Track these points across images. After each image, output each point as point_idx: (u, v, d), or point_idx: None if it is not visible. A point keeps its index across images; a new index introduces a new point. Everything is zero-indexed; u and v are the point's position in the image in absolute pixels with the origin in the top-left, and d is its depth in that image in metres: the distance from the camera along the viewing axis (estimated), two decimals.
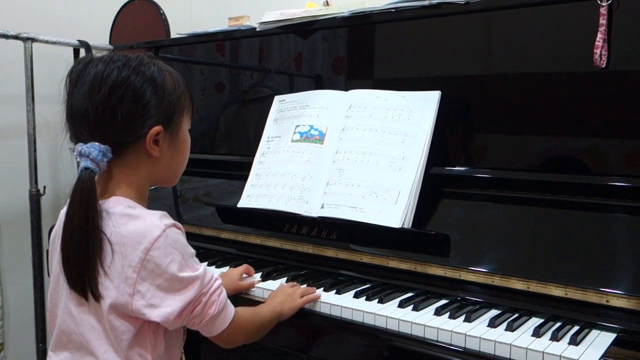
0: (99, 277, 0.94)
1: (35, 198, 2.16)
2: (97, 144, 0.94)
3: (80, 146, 0.95)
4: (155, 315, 0.95)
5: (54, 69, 2.39)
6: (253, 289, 1.32)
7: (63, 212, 0.99)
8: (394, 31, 1.52)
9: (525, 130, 1.33)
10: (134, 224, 0.95)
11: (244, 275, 1.38)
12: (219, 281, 1.02)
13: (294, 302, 1.20)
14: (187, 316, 0.98)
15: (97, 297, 0.94)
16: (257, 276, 1.38)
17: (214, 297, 1.00)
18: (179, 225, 0.99)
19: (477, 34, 1.39)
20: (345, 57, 1.62)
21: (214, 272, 1.15)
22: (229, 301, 1.04)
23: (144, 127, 0.97)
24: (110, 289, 0.94)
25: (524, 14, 1.31)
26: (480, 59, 1.39)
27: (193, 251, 1.00)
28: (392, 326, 1.12)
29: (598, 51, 1.18)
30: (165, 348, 1.01)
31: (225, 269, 1.44)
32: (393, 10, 1.47)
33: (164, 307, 0.95)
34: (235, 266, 1.45)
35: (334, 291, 1.26)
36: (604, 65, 1.18)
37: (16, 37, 2.08)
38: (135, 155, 0.99)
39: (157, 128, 0.98)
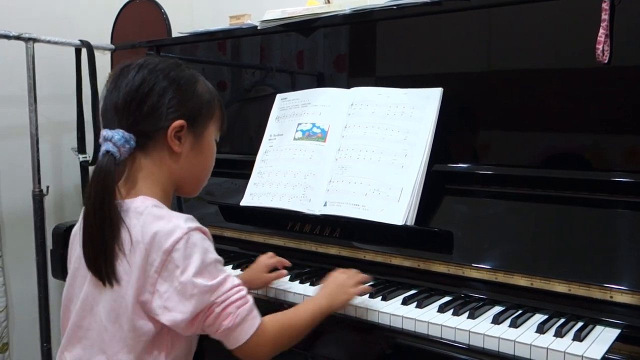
0: (116, 259, 0.95)
1: (38, 198, 2.16)
2: (122, 130, 0.97)
3: (105, 131, 0.97)
4: (166, 318, 0.94)
5: (56, 69, 2.42)
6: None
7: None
8: (396, 28, 1.52)
9: (528, 126, 1.33)
10: (159, 224, 0.95)
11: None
12: (241, 292, 0.97)
13: (346, 294, 1.13)
14: (200, 324, 0.96)
15: (117, 280, 0.95)
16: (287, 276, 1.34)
17: (230, 309, 0.95)
18: (205, 229, 0.99)
19: (478, 30, 1.38)
20: (347, 54, 1.62)
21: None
22: (254, 312, 0.99)
23: (167, 118, 1.00)
24: (132, 276, 0.94)
25: (526, 10, 1.31)
26: (482, 55, 1.39)
27: (217, 258, 0.98)
28: (396, 323, 1.12)
29: (600, 47, 1.17)
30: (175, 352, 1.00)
31: (228, 267, 1.44)
32: (394, 7, 1.46)
33: (175, 312, 0.94)
34: (240, 264, 1.45)
35: None
36: (606, 61, 1.18)
37: (18, 38, 2.08)
38: (158, 150, 1.01)
39: (180, 122, 1.01)
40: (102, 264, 0.95)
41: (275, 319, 1.04)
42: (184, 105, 1.02)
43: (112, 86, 1.01)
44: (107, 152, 0.96)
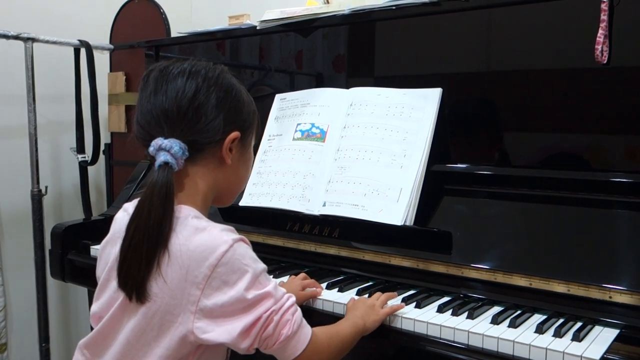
0: (152, 276, 0.89)
1: (37, 198, 2.17)
2: (178, 140, 0.92)
3: (161, 140, 0.92)
4: (215, 335, 0.89)
5: (55, 69, 2.42)
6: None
7: (120, 217, 0.99)
8: (395, 28, 1.52)
9: (527, 127, 1.33)
10: (200, 237, 0.90)
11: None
12: (292, 299, 0.95)
13: (376, 314, 1.11)
14: (258, 337, 0.90)
15: (148, 297, 0.89)
16: (323, 285, 1.30)
17: (287, 316, 0.92)
18: (246, 239, 0.94)
19: (477, 30, 1.39)
20: (346, 54, 1.62)
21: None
22: (304, 321, 0.96)
23: (224, 131, 0.96)
24: (166, 292, 0.89)
25: (525, 11, 1.31)
26: (481, 55, 1.39)
27: (264, 266, 0.94)
28: (395, 324, 1.12)
29: (599, 47, 1.18)
30: None
31: None
32: (393, 7, 1.47)
33: (226, 327, 0.89)
34: None
35: (337, 289, 1.26)
36: (605, 62, 1.18)
37: (17, 37, 2.08)
38: (209, 161, 0.97)
39: (236, 133, 0.98)
40: (137, 283, 0.89)
41: (323, 329, 1.01)
42: (239, 117, 0.99)
43: (153, 88, 0.95)
44: (166, 163, 0.90)
